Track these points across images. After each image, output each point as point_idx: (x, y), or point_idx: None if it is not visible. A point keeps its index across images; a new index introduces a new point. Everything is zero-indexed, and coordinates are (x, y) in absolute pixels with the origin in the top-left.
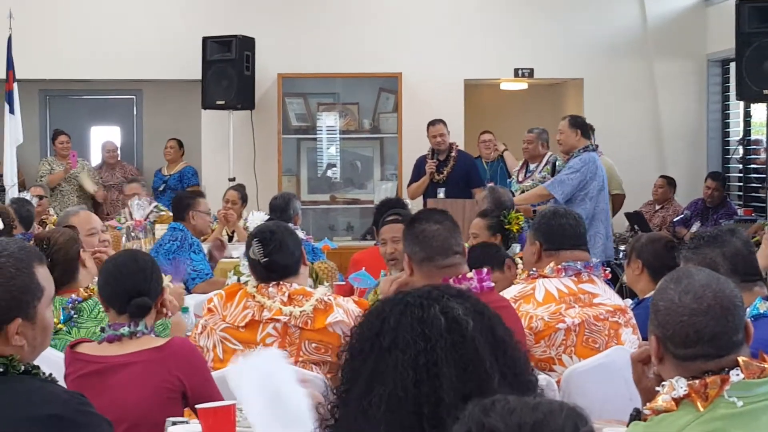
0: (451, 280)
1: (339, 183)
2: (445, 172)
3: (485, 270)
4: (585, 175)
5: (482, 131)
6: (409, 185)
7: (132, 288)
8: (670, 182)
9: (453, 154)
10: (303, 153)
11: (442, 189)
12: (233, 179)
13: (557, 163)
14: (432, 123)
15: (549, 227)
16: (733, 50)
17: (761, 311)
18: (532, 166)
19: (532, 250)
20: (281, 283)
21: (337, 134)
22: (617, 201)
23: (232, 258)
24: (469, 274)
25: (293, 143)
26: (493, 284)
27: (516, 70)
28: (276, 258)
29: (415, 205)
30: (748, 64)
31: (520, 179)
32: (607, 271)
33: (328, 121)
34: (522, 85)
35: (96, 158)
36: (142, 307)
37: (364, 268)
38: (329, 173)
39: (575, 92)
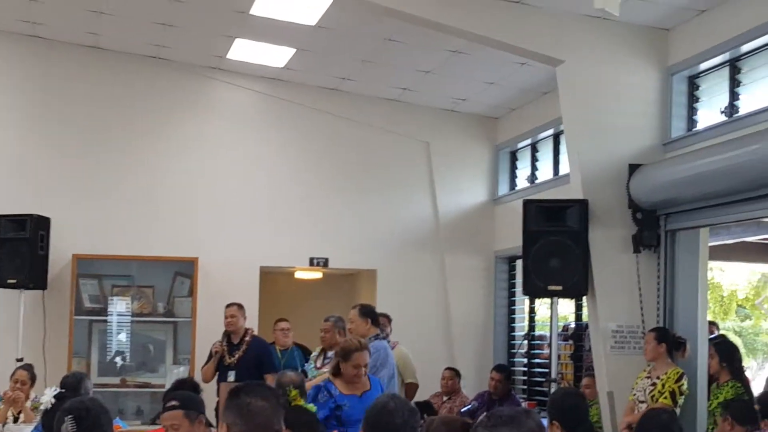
0: None
1: (130, 366)
2: (236, 356)
3: None
4: (375, 362)
5: (278, 318)
6: (203, 367)
7: None
8: (456, 373)
9: (246, 338)
10: (95, 335)
11: (233, 372)
12: (21, 359)
13: None
14: (227, 305)
15: (376, 421)
16: (520, 247)
17: None
18: (330, 354)
19: None
20: None
21: (131, 317)
22: (411, 390)
23: None
24: None
25: (85, 325)
26: None
27: (311, 260)
28: None
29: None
30: (533, 260)
31: (318, 365)
32: None
33: (122, 303)
34: (317, 274)
35: None
36: None
37: None
38: (117, 359)
39: (369, 282)
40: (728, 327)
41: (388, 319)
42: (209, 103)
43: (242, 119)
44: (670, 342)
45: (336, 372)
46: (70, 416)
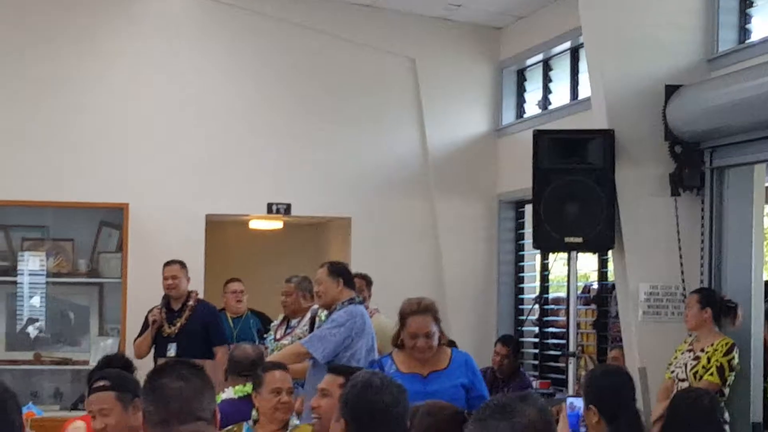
0: None
1: (46, 338)
2: (178, 325)
3: None
4: (350, 331)
5: (229, 279)
6: (136, 339)
7: None
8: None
9: (190, 303)
10: (1, 300)
11: (174, 345)
12: None
13: (319, 316)
14: (166, 263)
15: (357, 402)
16: (529, 190)
17: None
18: (293, 322)
19: (338, 428)
20: None
21: (46, 277)
22: None
23: None
24: None
25: None
26: None
27: (270, 206)
28: None
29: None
30: (547, 206)
31: (278, 336)
32: None
33: (35, 260)
34: (277, 223)
35: None
36: None
37: None
38: (30, 329)
39: (341, 233)
40: None
41: (366, 281)
42: (138, 10)
43: (180, 30)
44: (716, 306)
45: (398, 342)
46: None
